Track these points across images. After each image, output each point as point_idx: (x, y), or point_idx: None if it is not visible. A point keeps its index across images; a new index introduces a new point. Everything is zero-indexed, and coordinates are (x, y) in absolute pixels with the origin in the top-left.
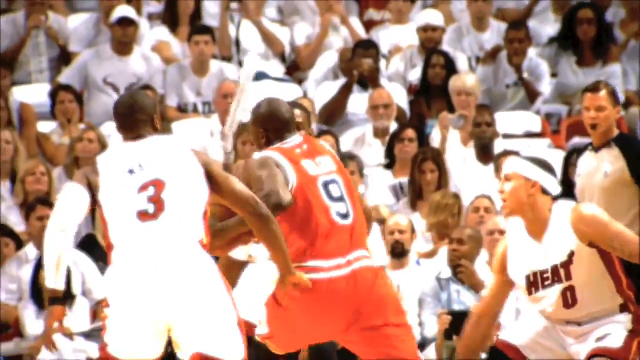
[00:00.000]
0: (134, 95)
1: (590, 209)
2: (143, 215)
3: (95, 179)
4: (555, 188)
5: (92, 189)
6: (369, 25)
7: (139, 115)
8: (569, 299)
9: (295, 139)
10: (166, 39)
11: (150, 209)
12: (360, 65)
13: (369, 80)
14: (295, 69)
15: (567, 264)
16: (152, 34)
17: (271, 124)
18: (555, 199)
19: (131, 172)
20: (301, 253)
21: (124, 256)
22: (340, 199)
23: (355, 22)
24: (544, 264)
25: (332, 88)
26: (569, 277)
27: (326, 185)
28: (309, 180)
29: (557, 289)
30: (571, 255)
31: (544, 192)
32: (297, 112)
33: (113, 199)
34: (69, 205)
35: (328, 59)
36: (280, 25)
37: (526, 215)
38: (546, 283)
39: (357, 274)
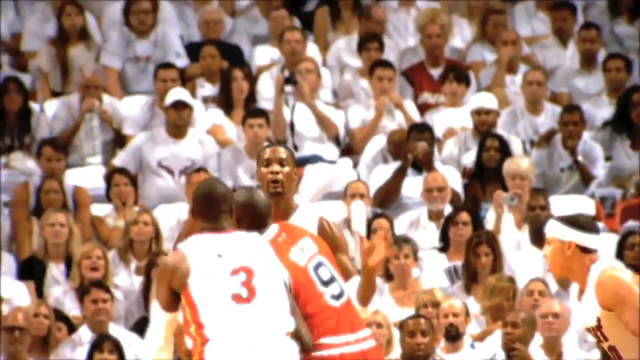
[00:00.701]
0: (216, 185)
1: (610, 271)
2: (237, 298)
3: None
4: (596, 243)
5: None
6: (423, 108)
7: (222, 206)
8: (615, 357)
9: (272, 230)
10: (220, 122)
11: (244, 293)
12: (415, 149)
13: (423, 164)
14: (350, 152)
15: (597, 328)
16: (206, 116)
17: (247, 215)
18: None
19: (220, 256)
20: (311, 332)
21: (221, 336)
22: (331, 280)
23: (410, 105)
24: (588, 323)
25: (386, 171)
26: (605, 338)
27: (316, 270)
28: (300, 271)
29: (604, 346)
30: (598, 320)
31: (583, 250)
32: (283, 153)
33: (205, 281)
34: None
35: (377, 142)
36: (335, 108)
37: (570, 275)
38: (597, 340)
39: (365, 354)
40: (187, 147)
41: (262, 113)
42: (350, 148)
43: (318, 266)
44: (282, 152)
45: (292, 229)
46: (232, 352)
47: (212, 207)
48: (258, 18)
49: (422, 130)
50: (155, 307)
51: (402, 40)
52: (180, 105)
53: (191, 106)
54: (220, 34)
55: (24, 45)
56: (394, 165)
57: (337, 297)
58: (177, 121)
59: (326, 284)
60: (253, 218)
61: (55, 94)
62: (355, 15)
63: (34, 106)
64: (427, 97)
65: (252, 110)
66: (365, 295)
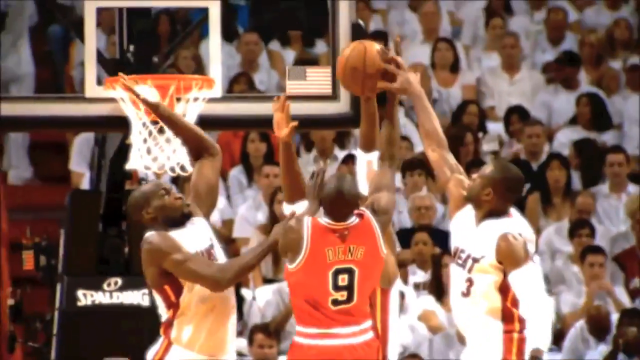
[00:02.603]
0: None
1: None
2: None
3: None
4: None
5: None
6: (633, 293)
7: None
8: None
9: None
10: (432, 308)
11: None
12: (625, 334)
13: (634, 349)
14: (559, 339)
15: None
16: (417, 302)
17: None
18: None
19: None
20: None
21: None
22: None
23: (620, 291)
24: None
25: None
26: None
27: (336, 273)
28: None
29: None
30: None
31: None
32: None
33: None
34: None
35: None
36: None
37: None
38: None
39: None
40: (399, 334)
41: None
42: (561, 334)
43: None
44: None
45: (364, 231)
46: None
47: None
48: None
49: (632, 316)
50: None
51: (612, 225)
52: None
53: (402, 293)
54: (432, 220)
55: (235, 232)
56: (601, 347)
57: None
58: None
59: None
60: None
61: (266, 281)
62: (566, 201)
63: (246, 293)
64: (638, 282)
65: None
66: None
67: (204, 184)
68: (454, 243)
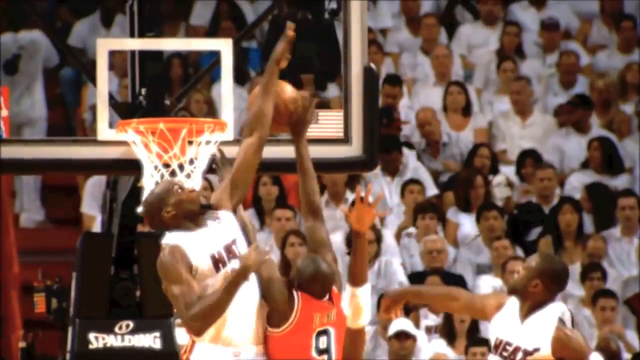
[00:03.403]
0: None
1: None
2: None
3: None
4: None
5: None
6: None
7: None
8: None
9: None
10: (443, 351)
11: None
12: None
13: None
14: None
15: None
16: (429, 346)
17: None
18: None
19: None
20: None
21: None
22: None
23: (632, 334)
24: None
25: None
26: None
27: (317, 336)
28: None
29: None
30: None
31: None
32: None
33: None
34: None
35: None
36: None
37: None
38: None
39: None
40: None
41: (486, 342)
42: None
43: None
44: None
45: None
46: None
47: None
48: (481, 248)
49: None
50: None
51: (624, 269)
52: (403, 336)
53: (414, 336)
54: (444, 264)
55: None
56: None
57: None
58: (400, 351)
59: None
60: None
61: None
62: (577, 245)
63: None
64: None
65: (475, 339)
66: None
67: (242, 164)
68: (496, 335)
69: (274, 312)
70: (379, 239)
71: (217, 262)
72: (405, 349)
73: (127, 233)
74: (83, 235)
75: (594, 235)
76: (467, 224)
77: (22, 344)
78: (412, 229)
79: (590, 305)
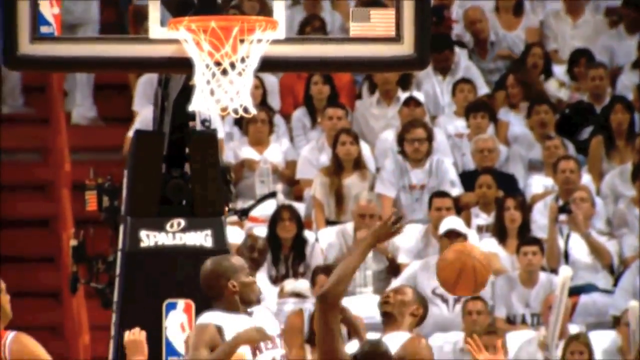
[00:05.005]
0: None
1: None
2: None
3: None
4: None
5: None
6: None
7: None
8: None
9: None
10: (495, 250)
11: None
12: None
13: None
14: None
15: None
16: (481, 245)
17: None
18: None
19: None
20: None
21: None
22: None
23: None
24: None
25: None
26: None
27: None
28: None
29: None
30: None
31: None
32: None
33: None
34: None
35: None
36: (609, 238)
37: None
38: None
39: None
40: None
41: (537, 241)
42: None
43: None
44: None
45: None
46: None
47: None
48: (533, 143)
49: None
50: None
51: None
52: (453, 234)
53: (465, 235)
54: (495, 163)
55: (298, 173)
56: None
57: None
58: None
59: None
60: None
61: (329, 223)
62: (629, 144)
63: (309, 234)
64: None
65: (526, 238)
66: None
67: None
68: None
69: None
70: (430, 137)
71: (255, 349)
72: None
73: (178, 131)
74: (135, 134)
75: None
76: (517, 124)
77: (73, 242)
78: (463, 129)
79: None
